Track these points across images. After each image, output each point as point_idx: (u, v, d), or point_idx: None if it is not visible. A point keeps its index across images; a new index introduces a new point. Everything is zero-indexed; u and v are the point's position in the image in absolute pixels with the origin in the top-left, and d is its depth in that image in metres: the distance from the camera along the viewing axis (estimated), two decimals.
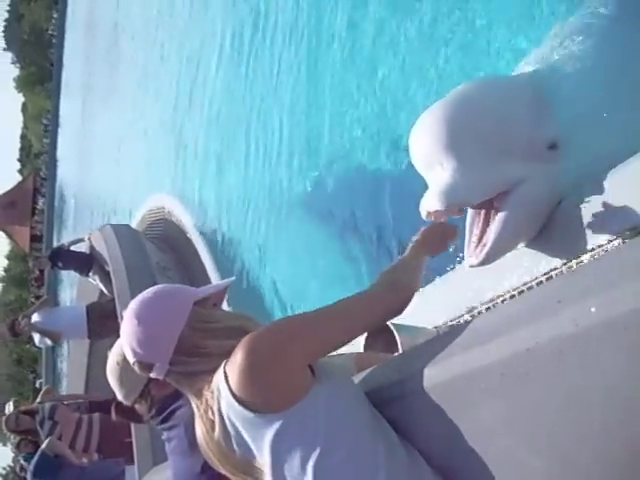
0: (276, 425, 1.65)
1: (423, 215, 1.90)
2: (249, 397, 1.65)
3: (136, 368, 1.85)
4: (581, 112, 1.87)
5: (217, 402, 1.71)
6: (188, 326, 1.79)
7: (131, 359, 1.84)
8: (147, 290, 1.92)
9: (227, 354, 1.71)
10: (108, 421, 6.71)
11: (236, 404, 1.66)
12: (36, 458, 6.13)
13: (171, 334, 1.78)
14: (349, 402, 1.76)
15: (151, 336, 1.79)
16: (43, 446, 6.18)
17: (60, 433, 6.45)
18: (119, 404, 2.62)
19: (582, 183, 1.84)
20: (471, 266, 1.88)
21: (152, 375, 1.82)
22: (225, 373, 1.69)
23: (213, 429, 1.73)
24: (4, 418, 6.87)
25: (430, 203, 1.83)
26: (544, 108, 1.82)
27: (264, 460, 1.70)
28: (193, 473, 2.35)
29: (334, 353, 1.86)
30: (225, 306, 2.17)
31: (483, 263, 1.84)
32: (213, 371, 1.74)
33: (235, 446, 1.72)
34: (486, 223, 1.86)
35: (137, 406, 2.56)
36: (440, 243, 1.96)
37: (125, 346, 1.84)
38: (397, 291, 1.86)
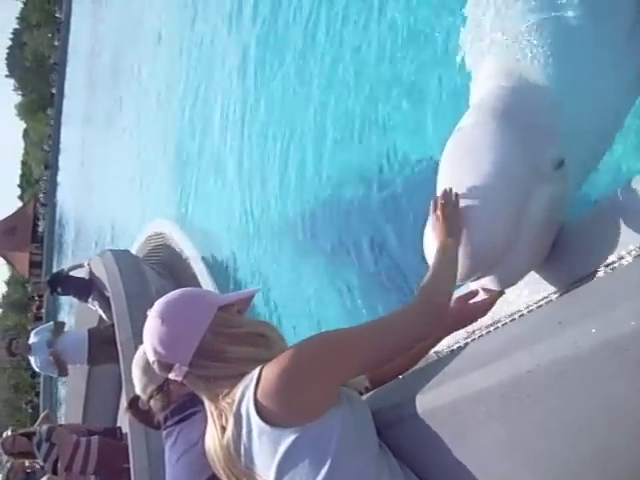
0: (289, 440, 1.64)
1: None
2: (271, 405, 1.65)
3: (155, 367, 1.86)
4: (581, 117, 1.87)
5: (237, 406, 1.70)
6: (210, 330, 1.80)
7: (151, 358, 1.85)
8: (173, 291, 1.94)
9: (248, 362, 1.74)
10: (107, 444, 6.66)
11: (254, 413, 1.65)
12: None
13: (193, 336, 1.79)
14: (362, 426, 1.75)
15: (173, 336, 1.80)
16: None
17: (57, 455, 6.38)
18: (134, 401, 2.60)
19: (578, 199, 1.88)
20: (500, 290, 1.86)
21: (171, 376, 1.83)
22: (259, 376, 1.68)
23: (224, 435, 1.73)
24: (1, 440, 6.81)
25: (499, 286, 1.84)
26: (545, 124, 1.79)
27: (267, 476, 1.69)
28: None
29: None
30: None
31: (505, 287, 1.83)
32: (231, 377, 1.75)
33: (242, 454, 1.71)
34: None
35: (152, 401, 2.53)
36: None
37: (146, 344, 1.85)
38: (430, 302, 1.81)
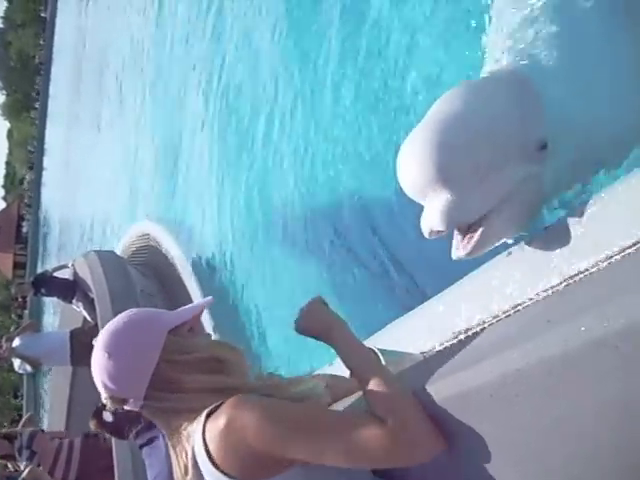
0: None
1: (426, 234, 1.81)
2: (223, 464, 1.55)
3: (109, 403, 1.72)
4: (569, 101, 1.86)
5: (192, 450, 1.60)
6: (162, 358, 1.67)
7: (103, 394, 1.72)
8: (117, 318, 1.76)
9: (207, 391, 1.64)
10: (89, 447, 6.61)
11: (210, 465, 1.56)
12: None
13: (144, 368, 1.66)
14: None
15: (123, 371, 1.66)
16: (24, 475, 6.08)
17: (38, 462, 6.34)
18: (99, 411, 2.48)
19: (571, 186, 1.89)
20: (458, 258, 1.84)
21: (127, 408, 1.71)
22: (204, 428, 1.57)
23: (187, 473, 1.62)
24: None
25: (432, 224, 1.77)
26: (534, 104, 1.81)
27: None
28: None
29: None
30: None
31: (470, 254, 1.81)
32: (191, 410, 1.63)
33: None
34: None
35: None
36: None
37: (96, 380, 1.72)
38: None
